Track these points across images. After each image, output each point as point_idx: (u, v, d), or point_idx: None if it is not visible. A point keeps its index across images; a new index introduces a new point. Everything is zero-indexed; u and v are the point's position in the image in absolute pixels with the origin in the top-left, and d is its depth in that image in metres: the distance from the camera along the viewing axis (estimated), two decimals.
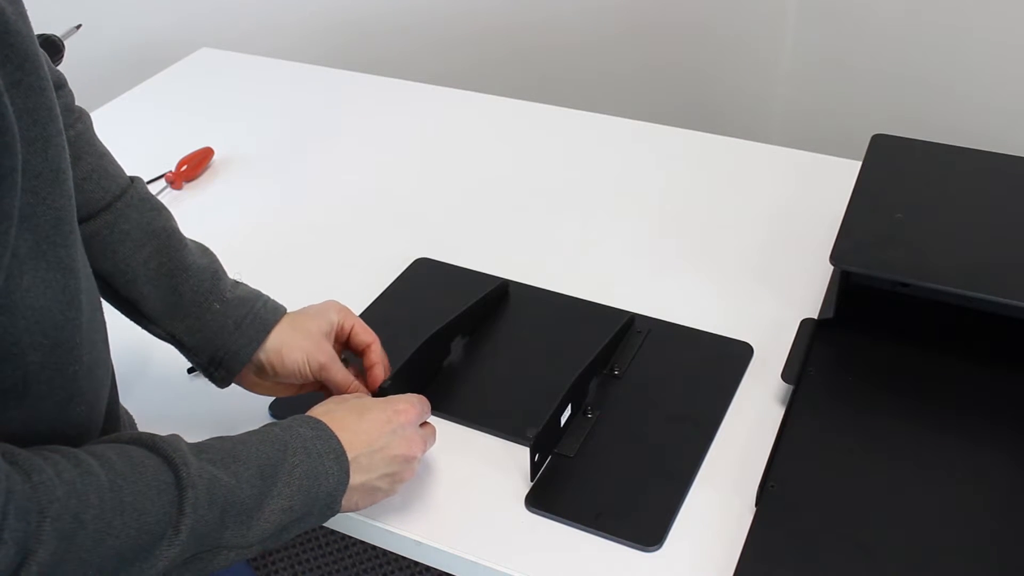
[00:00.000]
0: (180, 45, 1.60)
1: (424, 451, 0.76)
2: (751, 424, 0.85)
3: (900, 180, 0.98)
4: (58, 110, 0.54)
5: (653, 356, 0.92)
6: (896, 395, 0.85)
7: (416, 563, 1.40)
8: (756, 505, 0.76)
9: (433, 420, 0.87)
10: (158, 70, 1.53)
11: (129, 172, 1.30)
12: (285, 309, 0.82)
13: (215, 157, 1.28)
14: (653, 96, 2.06)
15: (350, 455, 0.69)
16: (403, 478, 0.74)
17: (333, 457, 0.67)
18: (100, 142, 0.80)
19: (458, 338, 0.94)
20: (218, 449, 0.62)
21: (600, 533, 0.76)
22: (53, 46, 1.12)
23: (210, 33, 1.75)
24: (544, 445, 0.80)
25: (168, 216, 0.81)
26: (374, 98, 1.42)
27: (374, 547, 1.56)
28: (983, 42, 1.73)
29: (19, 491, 0.49)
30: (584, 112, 1.35)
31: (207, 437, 0.76)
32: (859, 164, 1.01)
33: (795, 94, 1.99)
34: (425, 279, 1.04)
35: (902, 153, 1.02)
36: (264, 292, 0.83)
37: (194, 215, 1.19)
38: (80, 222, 0.69)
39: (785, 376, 0.86)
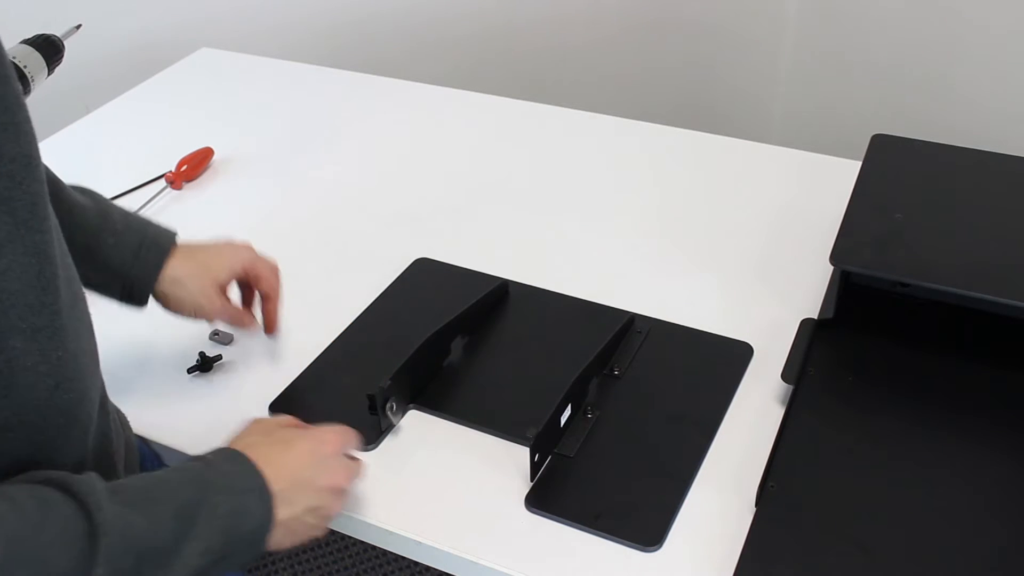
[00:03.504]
0: (180, 45, 1.60)
1: (350, 483, 0.73)
2: (751, 424, 0.85)
3: (900, 180, 0.98)
4: (23, 98, 0.55)
5: (653, 356, 0.92)
6: (896, 395, 0.85)
7: (416, 563, 1.40)
8: (756, 505, 0.76)
9: (433, 420, 0.87)
10: (158, 70, 1.53)
11: (129, 172, 1.30)
12: (174, 235, 0.87)
13: (215, 157, 1.28)
14: (653, 96, 2.06)
15: (274, 488, 0.65)
16: (330, 513, 0.71)
17: (256, 495, 0.65)
18: None
19: (458, 338, 0.94)
20: (135, 489, 0.59)
21: (600, 533, 0.76)
22: (53, 46, 1.11)
23: (210, 33, 1.75)
24: (544, 445, 0.80)
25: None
26: (374, 98, 1.42)
27: (374, 547, 1.56)
28: (983, 42, 1.73)
29: None
30: (584, 112, 1.35)
31: (205, 436, 0.76)
32: (859, 164, 1.01)
33: (795, 94, 1.99)
34: (425, 279, 1.04)
35: (902, 153, 1.02)
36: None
37: (194, 215, 1.19)
38: None
39: (785, 376, 0.86)
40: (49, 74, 1.11)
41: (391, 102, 1.41)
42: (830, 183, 1.11)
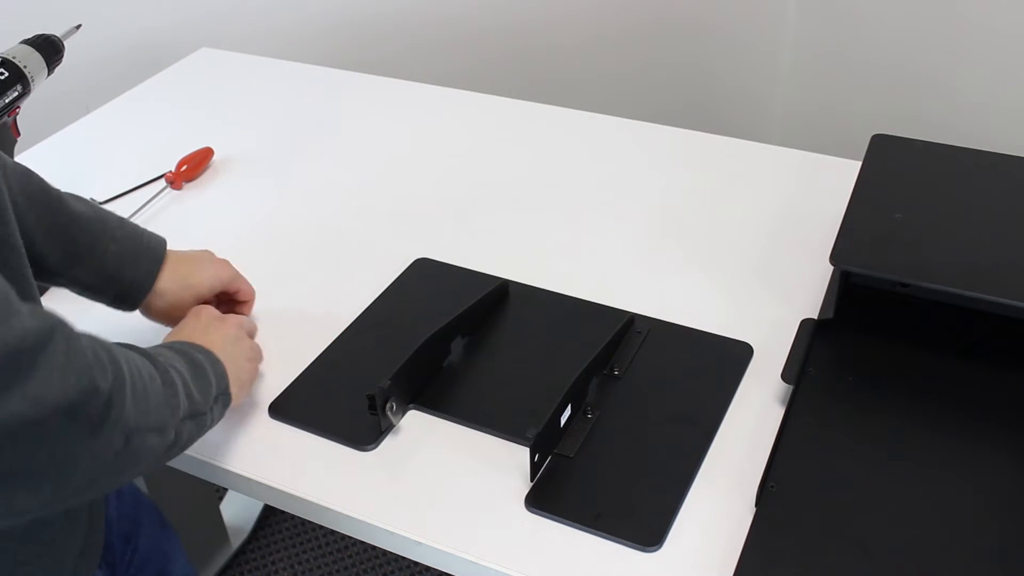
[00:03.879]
0: (180, 45, 1.60)
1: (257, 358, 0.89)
2: (751, 424, 0.85)
3: (900, 180, 0.98)
4: None
5: (653, 356, 0.92)
6: (896, 395, 0.85)
7: (416, 563, 1.40)
8: (756, 505, 0.76)
9: (433, 420, 0.87)
10: (158, 70, 1.53)
11: (129, 172, 1.30)
12: (165, 242, 0.92)
13: (215, 157, 1.28)
14: (653, 96, 2.06)
15: (217, 355, 0.80)
16: (254, 362, 0.88)
17: (221, 366, 0.79)
18: None
19: (458, 338, 0.94)
20: (167, 354, 0.73)
21: (600, 533, 0.76)
22: (53, 46, 1.11)
23: (210, 33, 1.75)
24: (544, 445, 0.80)
25: (36, 175, 0.84)
26: (374, 98, 1.42)
27: (374, 547, 1.56)
28: (983, 42, 1.73)
29: (115, 351, 0.61)
30: (584, 112, 1.35)
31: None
32: (859, 164, 1.00)
33: (795, 94, 1.99)
34: (425, 279, 1.04)
35: (902, 153, 1.02)
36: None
37: (194, 215, 1.19)
38: None
39: (785, 376, 0.86)
40: (49, 74, 1.11)
41: (391, 102, 1.41)
42: (830, 183, 1.11)
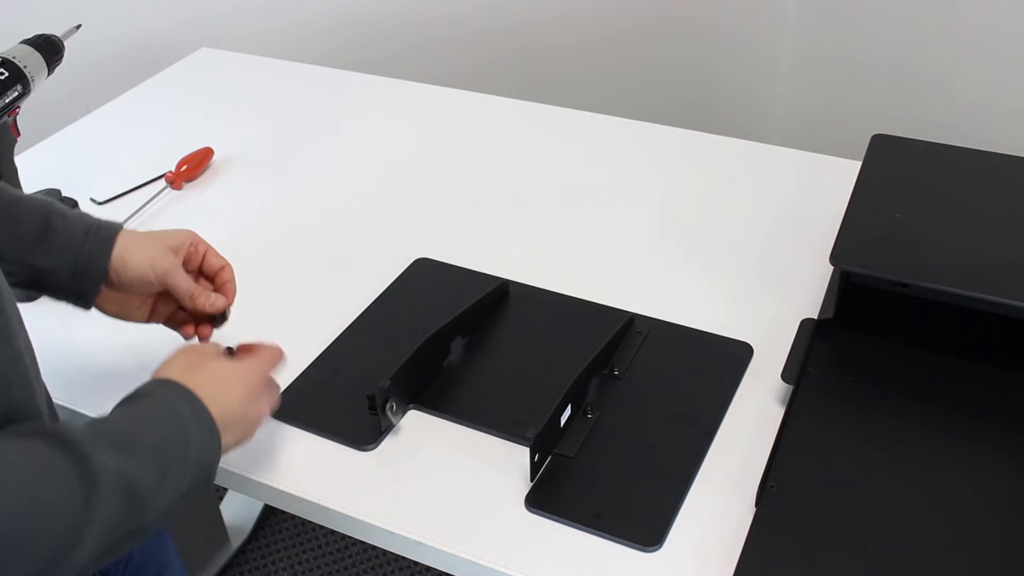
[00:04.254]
0: (180, 45, 1.60)
1: (272, 409, 0.79)
2: (751, 424, 0.85)
3: (900, 180, 0.98)
4: None
5: (653, 356, 0.92)
6: (896, 395, 0.85)
7: (416, 563, 1.40)
8: (756, 505, 0.76)
9: (433, 420, 0.87)
10: (158, 70, 1.53)
11: (129, 172, 1.30)
12: (119, 223, 0.84)
13: (215, 157, 1.28)
14: (653, 96, 2.06)
15: (217, 421, 0.69)
16: (246, 438, 0.75)
17: (210, 430, 0.69)
18: None
19: (458, 338, 0.94)
20: (120, 434, 0.63)
21: (600, 533, 0.76)
22: (53, 46, 1.11)
23: (210, 33, 1.75)
24: (544, 445, 0.80)
25: None
26: (374, 98, 1.42)
27: (374, 547, 1.56)
28: (983, 42, 1.73)
29: None
30: (584, 112, 1.35)
31: None
32: (859, 164, 1.00)
33: (795, 94, 1.99)
34: (425, 279, 1.04)
35: (902, 153, 1.02)
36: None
37: (194, 215, 1.19)
38: None
39: (785, 376, 0.86)
40: (49, 74, 1.11)
41: (391, 102, 1.41)
42: (830, 183, 1.11)
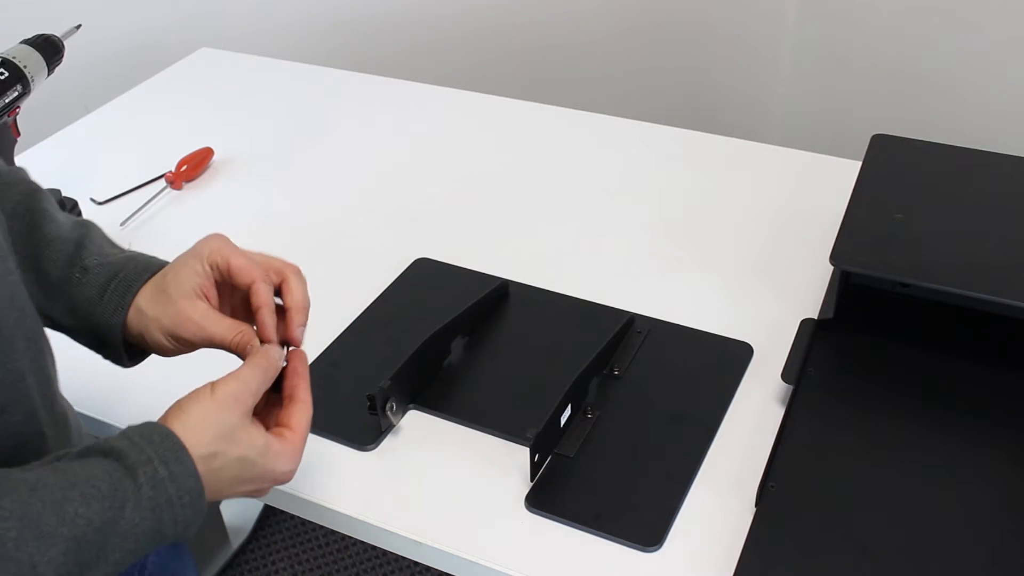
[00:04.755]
0: (180, 45, 1.60)
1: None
2: (751, 424, 0.85)
3: (900, 180, 0.98)
4: None
5: (653, 356, 0.92)
6: (896, 395, 0.85)
7: (416, 563, 1.40)
8: (756, 505, 0.76)
9: (433, 420, 0.87)
10: (158, 70, 1.53)
11: (129, 172, 1.30)
12: (158, 265, 0.71)
13: (215, 157, 1.28)
14: (653, 96, 2.06)
15: (207, 493, 0.58)
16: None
17: (188, 501, 0.56)
18: None
19: (458, 338, 0.94)
20: (14, 523, 0.49)
21: (600, 533, 0.76)
22: (53, 46, 1.12)
23: (210, 33, 1.75)
24: (544, 445, 0.80)
25: (36, 193, 0.72)
26: (374, 98, 1.42)
27: (374, 547, 1.56)
28: (983, 42, 1.73)
29: None
30: (584, 112, 1.35)
31: None
32: (859, 164, 1.00)
33: (795, 94, 1.99)
34: (425, 279, 1.04)
35: (902, 153, 1.02)
36: (145, 252, 0.74)
37: (194, 215, 1.19)
38: None
39: (785, 376, 0.86)
40: (49, 74, 1.12)
41: (391, 102, 1.41)
42: (830, 183, 1.11)
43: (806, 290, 0.99)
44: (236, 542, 1.62)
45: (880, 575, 0.70)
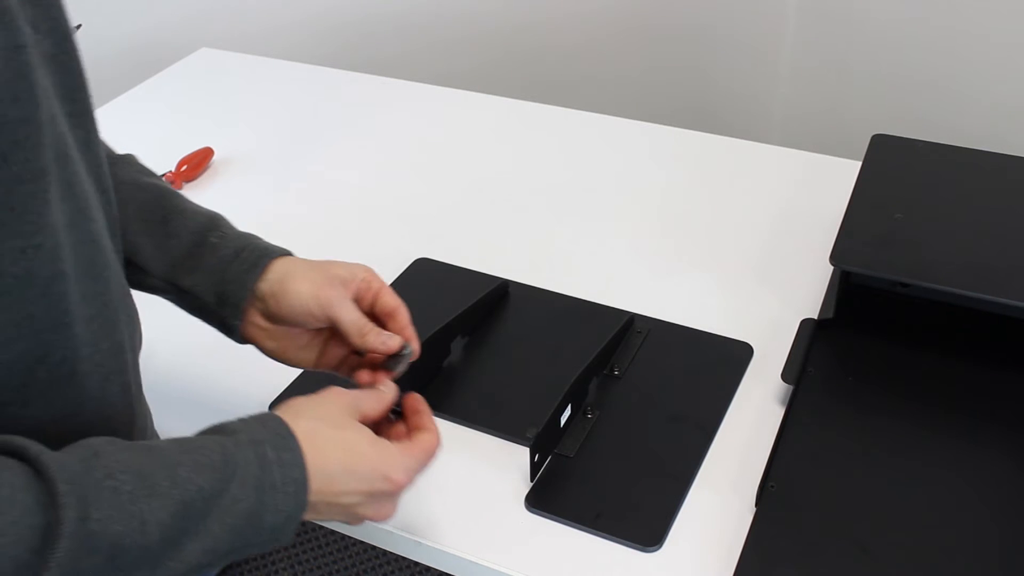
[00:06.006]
0: (180, 45, 1.60)
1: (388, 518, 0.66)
2: (751, 424, 0.85)
3: (900, 180, 0.98)
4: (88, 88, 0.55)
5: (653, 356, 0.92)
6: (896, 395, 0.85)
7: (416, 563, 1.40)
8: (756, 505, 0.76)
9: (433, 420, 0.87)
10: (158, 70, 1.53)
11: None
12: (292, 253, 0.74)
13: (215, 157, 1.28)
14: (653, 96, 2.06)
15: (313, 498, 0.57)
16: (355, 523, 0.65)
17: (292, 490, 0.56)
18: None
19: (458, 338, 0.94)
20: (132, 476, 0.50)
21: (600, 533, 0.76)
22: None
23: (210, 33, 1.75)
24: (544, 445, 0.80)
25: (157, 177, 0.77)
26: (374, 98, 1.42)
27: (374, 547, 1.56)
28: (983, 42, 1.73)
29: None
30: (584, 112, 1.35)
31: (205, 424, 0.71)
32: (859, 164, 1.01)
33: (795, 94, 1.99)
34: (425, 279, 1.04)
35: (902, 153, 1.02)
36: None
37: None
38: None
39: (785, 376, 0.86)
40: None
41: (391, 102, 1.41)
42: (830, 183, 1.11)
43: (806, 290, 0.99)
44: None
45: (880, 575, 0.70)
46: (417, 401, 0.71)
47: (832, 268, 0.92)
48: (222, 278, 0.71)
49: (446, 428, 0.86)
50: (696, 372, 0.90)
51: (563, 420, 0.83)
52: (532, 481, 0.80)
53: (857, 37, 1.86)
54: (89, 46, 1.35)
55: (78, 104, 0.57)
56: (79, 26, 1.19)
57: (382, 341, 0.71)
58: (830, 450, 0.80)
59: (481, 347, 0.95)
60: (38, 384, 0.54)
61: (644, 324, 0.95)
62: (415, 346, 0.73)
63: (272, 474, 0.55)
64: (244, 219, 1.17)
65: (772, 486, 0.76)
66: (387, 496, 0.63)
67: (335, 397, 0.64)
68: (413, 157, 1.28)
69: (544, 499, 0.78)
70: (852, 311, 0.92)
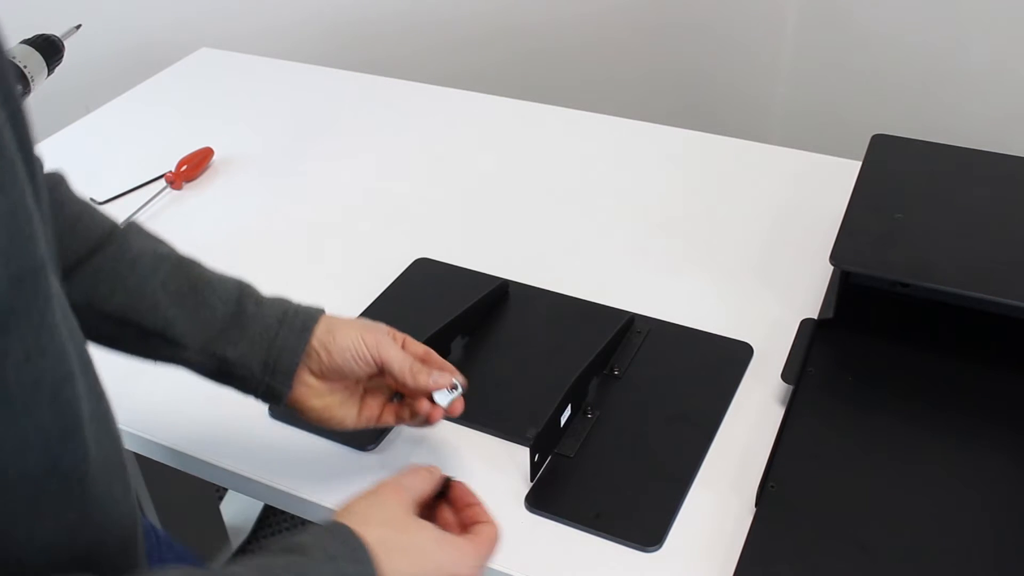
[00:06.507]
0: (180, 45, 1.60)
1: None
2: (751, 424, 0.85)
3: (900, 180, 0.98)
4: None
5: (653, 356, 0.92)
6: (896, 395, 0.85)
7: None
8: (756, 505, 0.76)
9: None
10: (158, 70, 1.53)
11: (129, 172, 1.30)
12: (320, 308, 0.75)
13: (215, 157, 1.28)
14: (653, 96, 2.06)
15: None
16: None
17: None
18: (78, 195, 0.75)
19: (458, 338, 0.94)
20: None
21: (600, 533, 0.76)
22: (53, 46, 1.12)
23: (210, 33, 1.75)
24: (544, 445, 0.80)
25: (169, 244, 0.74)
26: (374, 98, 1.42)
27: None
28: (983, 42, 1.73)
29: None
30: (584, 112, 1.35)
31: (204, 438, 0.72)
32: (859, 164, 1.01)
33: (795, 94, 1.99)
34: (425, 279, 1.04)
35: (902, 153, 1.02)
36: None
37: (194, 215, 1.19)
38: (83, 260, 0.67)
39: (785, 376, 0.86)
40: (49, 74, 1.11)
41: (391, 102, 1.41)
42: (830, 183, 1.11)
43: (806, 290, 0.99)
44: (236, 542, 1.62)
45: (880, 575, 0.70)
46: (466, 494, 0.69)
47: (832, 268, 0.92)
48: (270, 346, 0.70)
49: (446, 428, 0.86)
50: (696, 372, 0.90)
51: (563, 420, 0.83)
52: (532, 481, 0.80)
53: (857, 37, 1.86)
54: (89, 46, 1.36)
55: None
56: (79, 26, 1.20)
57: (433, 379, 0.72)
58: (830, 450, 0.80)
59: (481, 347, 0.95)
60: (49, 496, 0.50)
61: (644, 324, 0.95)
62: (461, 379, 0.75)
63: None
64: (244, 219, 1.17)
65: (772, 486, 0.76)
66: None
67: (393, 496, 0.62)
68: (413, 157, 1.28)
69: (544, 499, 0.78)
70: (852, 311, 0.92)
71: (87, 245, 0.69)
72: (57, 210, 0.66)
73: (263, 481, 0.83)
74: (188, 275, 0.71)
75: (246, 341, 0.70)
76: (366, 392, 0.76)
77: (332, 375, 0.72)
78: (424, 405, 0.73)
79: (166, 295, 0.69)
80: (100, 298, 0.67)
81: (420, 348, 0.76)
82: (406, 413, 0.76)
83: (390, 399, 0.77)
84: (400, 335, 0.76)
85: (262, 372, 0.70)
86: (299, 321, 0.71)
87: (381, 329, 0.74)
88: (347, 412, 0.75)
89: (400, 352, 0.73)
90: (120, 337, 0.70)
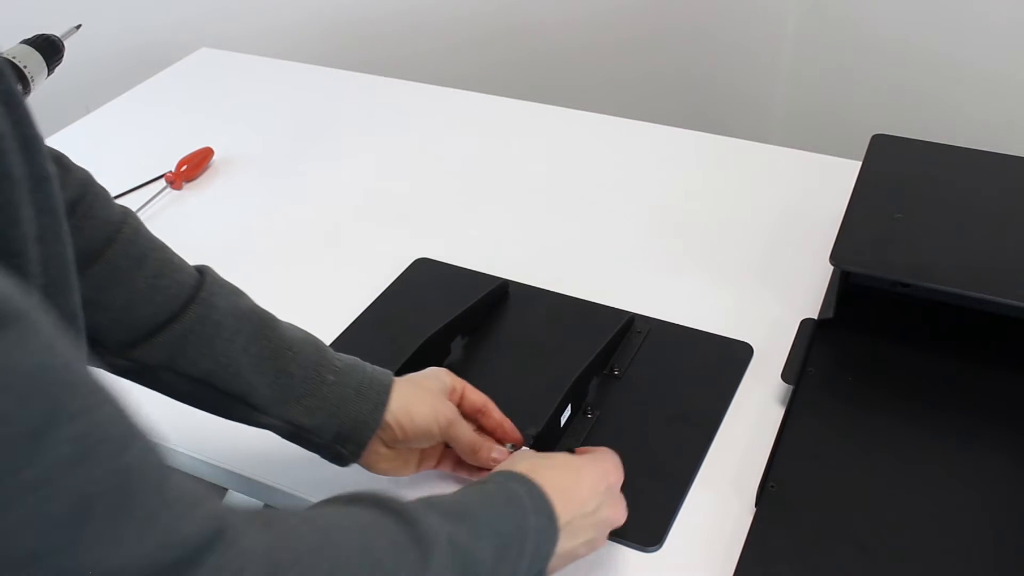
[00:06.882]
0: (180, 45, 1.60)
1: (623, 518, 0.71)
2: (751, 424, 0.85)
3: (900, 180, 0.98)
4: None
5: (653, 356, 0.92)
6: (896, 395, 0.85)
7: None
8: (756, 505, 0.76)
9: None
10: (158, 70, 1.53)
11: (129, 172, 1.30)
12: (390, 374, 0.77)
13: (215, 157, 1.28)
14: (654, 97, 2.06)
15: (561, 521, 0.62)
16: (599, 545, 0.69)
17: (549, 527, 0.62)
18: (154, 236, 0.72)
19: (458, 338, 0.94)
20: (450, 503, 0.57)
21: None
22: (53, 46, 1.11)
23: (210, 33, 1.75)
24: (544, 445, 0.80)
25: (246, 295, 0.74)
26: (374, 98, 1.42)
27: None
28: (983, 42, 1.73)
29: (264, 541, 0.45)
30: (584, 112, 1.35)
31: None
32: (859, 164, 1.00)
33: (795, 94, 1.99)
34: (425, 279, 1.04)
35: (902, 153, 1.02)
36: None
37: (194, 215, 1.19)
38: (167, 323, 0.67)
39: (785, 376, 0.86)
40: (49, 74, 1.11)
41: (391, 102, 1.41)
42: (830, 183, 1.11)
43: (806, 290, 0.99)
44: None
45: (880, 575, 0.70)
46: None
47: (832, 268, 0.92)
48: (345, 417, 0.72)
49: None
50: (696, 372, 0.90)
51: (563, 420, 0.83)
52: None
53: (857, 37, 1.86)
54: (89, 46, 1.36)
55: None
56: (79, 26, 1.20)
57: (493, 458, 0.77)
58: (830, 450, 0.80)
59: (481, 347, 0.95)
60: None
61: (644, 324, 0.95)
62: (517, 438, 0.80)
63: (534, 508, 0.61)
64: (244, 219, 1.17)
65: (772, 486, 0.76)
66: (615, 493, 0.70)
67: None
68: (413, 157, 1.28)
69: None
70: (852, 311, 0.92)
71: (169, 309, 0.68)
72: (138, 263, 0.66)
73: (263, 481, 0.83)
74: (269, 338, 0.71)
75: (323, 412, 0.71)
76: (426, 449, 0.79)
77: (402, 445, 0.75)
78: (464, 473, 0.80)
79: (248, 360, 0.69)
80: (186, 363, 0.67)
81: (479, 399, 0.79)
82: (464, 468, 0.81)
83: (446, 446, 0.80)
84: (460, 384, 0.79)
85: (333, 440, 0.72)
86: (374, 393, 0.73)
87: (445, 398, 0.76)
88: (409, 468, 0.78)
89: (467, 431, 0.76)
90: (198, 396, 0.70)
